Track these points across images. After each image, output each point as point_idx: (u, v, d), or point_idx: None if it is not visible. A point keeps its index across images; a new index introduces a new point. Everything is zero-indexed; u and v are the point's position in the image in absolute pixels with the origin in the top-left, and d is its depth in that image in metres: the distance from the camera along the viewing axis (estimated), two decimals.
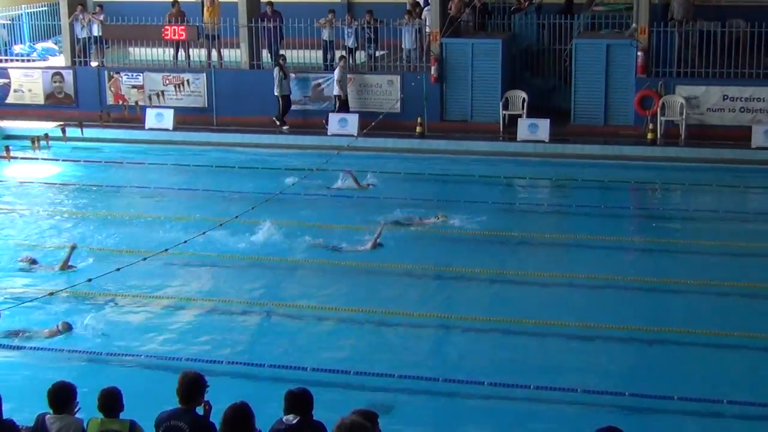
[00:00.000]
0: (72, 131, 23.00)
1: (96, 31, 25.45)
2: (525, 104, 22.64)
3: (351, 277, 14.81)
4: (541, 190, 20.29)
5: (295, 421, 6.84)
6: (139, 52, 25.43)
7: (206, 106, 24.16)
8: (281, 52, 23.79)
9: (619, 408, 10.44)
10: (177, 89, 24.29)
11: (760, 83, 21.55)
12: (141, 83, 24.47)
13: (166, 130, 23.49)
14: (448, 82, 23.17)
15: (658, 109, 21.55)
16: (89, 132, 23.11)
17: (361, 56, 24.83)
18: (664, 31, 22.05)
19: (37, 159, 21.95)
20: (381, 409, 7.08)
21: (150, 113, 23.78)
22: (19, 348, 12.00)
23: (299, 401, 6.91)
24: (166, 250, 14.07)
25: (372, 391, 10.99)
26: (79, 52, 25.35)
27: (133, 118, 23.93)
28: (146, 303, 13.60)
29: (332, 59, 24.74)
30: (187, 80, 24.26)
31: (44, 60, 27.38)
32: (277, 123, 23.19)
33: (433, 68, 23.02)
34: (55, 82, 25.04)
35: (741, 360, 11.95)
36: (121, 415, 7.16)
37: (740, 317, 13.03)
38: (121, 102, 24.39)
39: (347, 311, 13.21)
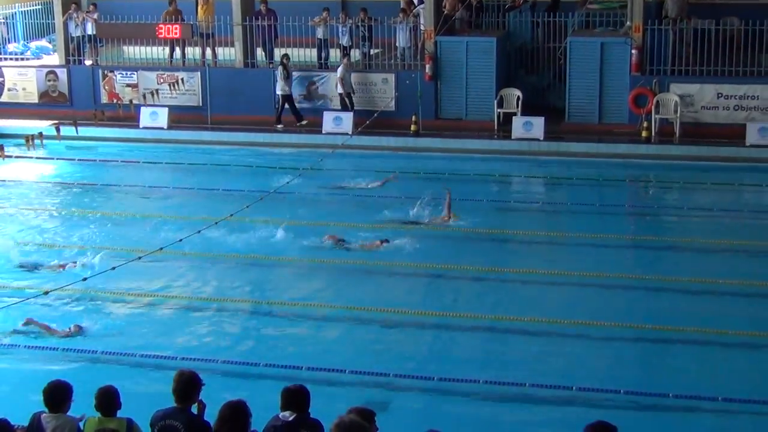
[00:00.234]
0: (66, 130, 22.96)
1: (90, 29, 25.44)
2: (519, 102, 22.65)
3: (346, 275, 14.81)
4: (536, 188, 20.31)
5: (291, 418, 6.84)
6: (134, 51, 25.41)
7: (201, 104, 24.14)
8: (284, 51, 23.72)
9: (614, 406, 10.45)
10: (171, 88, 24.27)
11: (755, 81, 21.60)
12: (135, 82, 24.45)
13: (161, 128, 23.48)
14: (442, 80, 23.18)
15: (653, 107, 21.57)
16: (84, 131, 23.07)
17: (355, 54, 24.82)
18: (659, 29, 22.08)
19: (31, 158, 21.92)
20: (377, 407, 7.06)
21: (144, 112, 23.76)
22: (17, 346, 11.99)
23: (296, 398, 6.91)
24: (161, 248, 14.06)
25: (368, 389, 11.00)
26: (73, 50, 25.34)
27: (127, 116, 23.90)
28: (141, 302, 13.59)
29: (326, 58, 24.76)
30: (182, 79, 24.24)
31: (38, 58, 27.35)
32: (298, 124, 23.12)
33: (427, 66, 23.02)
34: (49, 80, 25.01)
35: (737, 357, 11.95)
36: (118, 414, 7.16)
37: (734, 315, 13.03)
38: (115, 100, 24.36)
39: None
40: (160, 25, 24.38)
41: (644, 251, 16.10)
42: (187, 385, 7.03)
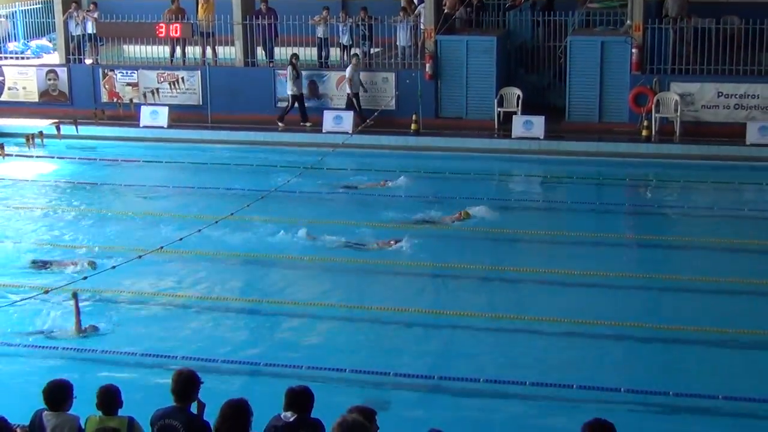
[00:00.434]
0: (67, 129, 22.88)
1: (90, 28, 25.43)
2: (520, 101, 22.63)
3: (347, 275, 14.82)
4: (536, 187, 20.29)
5: (292, 419, 6.84)
6: (134, 50, 25.40)
7: (201, 103, 24.13)
8: (288, 51, 23.67)
9: (614, 404, 10.45)
10: (172, 87, 24.26)
11: (755, 80, 21.58)
12: (135, 81, 24.44)
13: (161, 127, 23.46)
14: (442, 79, 23.17)
15: (653, 106, 21.57)
16: (84, 129, 23.01)
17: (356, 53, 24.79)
18: (659, 28, 22.07)
19: (31, 157, 21.88)
20: (378, 405, 7.06)
21: (145, 111, 23.75)
22: (16, 345, 11.99)
23: (299, 399, 6.91)
24: (162, 247, 14.05)
25: (369, 388, 11.00)
26: (74, 49, 25.33)
27: (127, 115, 23.88)
28: (141, 301, 13.60)
29: (327, 57, 24.76)
30: (182, 78, 24.24)
31: (38, 57, 27.36)
32: (303, 124, 23.10)
33: (427, 65, 23.01)
34: (49, 79, 25.01)
35: (734, 356, 11.97)
36: (120, 412, 7.16)
37: (735, 313, 13.03)
38: (115, 99, 24.35)
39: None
40: (160, 24, 24.37)
41: (644, 250, 16.10)
42: (186, 385, 7.03)
